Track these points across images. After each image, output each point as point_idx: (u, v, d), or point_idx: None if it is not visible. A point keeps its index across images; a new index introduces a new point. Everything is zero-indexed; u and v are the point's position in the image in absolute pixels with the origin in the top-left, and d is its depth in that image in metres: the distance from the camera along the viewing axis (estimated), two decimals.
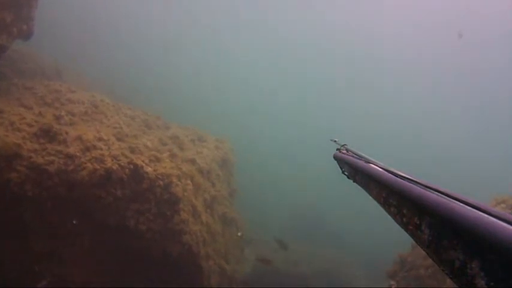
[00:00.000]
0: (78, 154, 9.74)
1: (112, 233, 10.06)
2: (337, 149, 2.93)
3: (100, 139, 10.72)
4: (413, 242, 1.40)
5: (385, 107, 66.10)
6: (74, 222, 9.53)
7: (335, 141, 3.06)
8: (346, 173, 2.59)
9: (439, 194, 1.20)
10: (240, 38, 67.67)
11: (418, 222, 1.25)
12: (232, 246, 16.13)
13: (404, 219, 1.37)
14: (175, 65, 50.15)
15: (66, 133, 10.12)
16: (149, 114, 16.85)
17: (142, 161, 10.57)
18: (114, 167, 9.89)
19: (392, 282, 10.77)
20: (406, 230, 1.36)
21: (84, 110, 13.01)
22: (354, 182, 2.35)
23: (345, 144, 2.88)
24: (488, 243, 0.88)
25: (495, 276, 0.85)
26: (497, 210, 0.99)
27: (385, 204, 1.59)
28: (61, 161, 9.48)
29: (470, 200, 1.09)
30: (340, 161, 2.72)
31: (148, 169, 10.56)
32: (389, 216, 1.59)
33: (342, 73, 68.69)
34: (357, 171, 2.18)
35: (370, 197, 1.88)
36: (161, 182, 10.62)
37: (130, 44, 43.54)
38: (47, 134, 9.88)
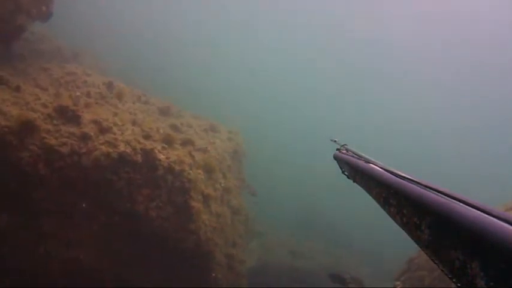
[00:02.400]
0: (92, 134, 9.81)
1: (122, 218, 10.10)
2: (337, 149, 2.96)
3: (114, 123, 10.78)
4: None
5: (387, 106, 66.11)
6: (84, 205, 9.60)
7: (335, 141, 3.08)
8: (346, 173, 2.60)
9: (439, 194, 1.20)
10: (252, 29, 67.63)
11: (418, 222, 1.24)
12: (239, 237, 16.17)
13: (404, 219, 1.37)
14: (189, 54, 50.23)
15: (81, 115, 10.18)
16: (163, 102, 16.92)
17: (155, 148, 10.63)
18: (127, 151, 9.95)
19: (397, 283, 10.76)
20: (406, 230, 1.36)
21: (99, 94, 13.09)
22: (354, 182, 2.36)
23: (345, 144, 2.91)
24: (488, 243, 0.88)
25: (495, 276, 0.84)
26: (497, 210, 0.99)
27: (385, 204, 1.59)
28: (74, 143, 9.55)
29: (470, 200, 1.08)
30: (340, 161, 2.74)
31: (161, 156, 10.61)
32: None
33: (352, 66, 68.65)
34: (356, 171, 2.19)
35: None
36: (173, 169, 10.67)
37: (146, 31, 43.68)
38: (62, 116, 9.95)
